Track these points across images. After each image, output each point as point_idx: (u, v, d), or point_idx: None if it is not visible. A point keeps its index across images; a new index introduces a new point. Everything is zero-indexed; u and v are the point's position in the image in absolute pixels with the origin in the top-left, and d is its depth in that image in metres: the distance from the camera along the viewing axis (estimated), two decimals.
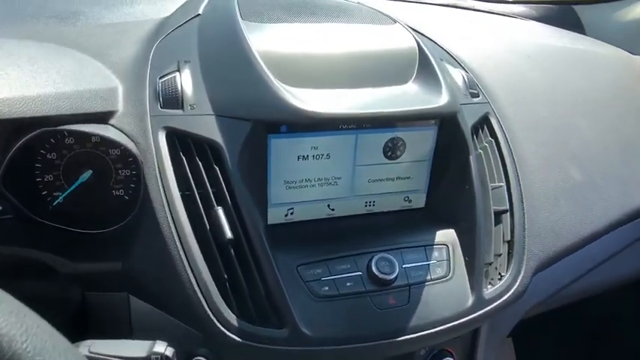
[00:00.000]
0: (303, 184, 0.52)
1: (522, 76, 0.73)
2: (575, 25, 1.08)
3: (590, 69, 0.82)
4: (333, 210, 0.55)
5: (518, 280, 0.51)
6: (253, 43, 0.50)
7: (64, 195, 0.51)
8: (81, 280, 0.51)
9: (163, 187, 0.47)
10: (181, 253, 0.45)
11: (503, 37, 0.86)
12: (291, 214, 0.54)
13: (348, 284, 0.47)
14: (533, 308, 0.62)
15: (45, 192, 0.51)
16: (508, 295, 0.50)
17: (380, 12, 0.65)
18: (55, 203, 0.51)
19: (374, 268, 0.47)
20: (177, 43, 0.58)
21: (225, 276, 0.45)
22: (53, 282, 0.51)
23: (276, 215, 0.53)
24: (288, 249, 0.49)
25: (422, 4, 1.00)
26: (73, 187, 0.50)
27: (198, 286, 0.44)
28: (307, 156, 0.51)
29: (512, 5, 1.10)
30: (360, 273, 0.48)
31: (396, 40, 0.57)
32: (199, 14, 0.63)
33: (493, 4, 1.08)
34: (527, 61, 0.77)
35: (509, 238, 0.53)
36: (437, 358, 0.53)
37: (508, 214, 0.54)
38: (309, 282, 0.47)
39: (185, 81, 0.51)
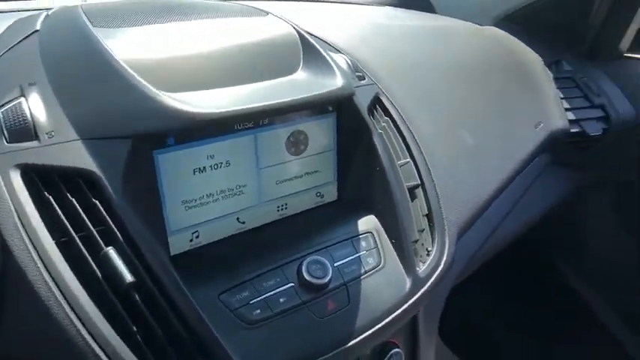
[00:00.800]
0: (205, 200, 0.46)
1: (397, 56, 0.74)
2: (425, 6, 1.15)
3: (453, 42, 0.87)
4: (243, 223, 0.49)
5: (446, 251, 0.51)
6: (114, 50, 0.43)
7: None
8: None
9: (30, 238, 0.37)
10: (70, 314, 0.36)
11: (368, 23, 0.88)
12: (197, 237, 0.47)
13: (281, 300, 0.42)
14: (459, 277, 0.63)
15: None
16: (440, 267, 0.49)
17: (246, 5, 0.61)
18: None
19: (305, 275, 0.43)
20: (15, 66, 0.48)
21: (135, 328, 0.37)
22: None
23: (179, 243, 0.46)
24: (203, 278, 0.42)
25: (278, 1, 0.99)
26: None
27: (101, 348, 0.36)
28: (204, 167, 0.44)
29: None
30: (292, 284, 0.43)
31: (274, 30, 0.53)
32: (37, 30, 0.53)
33: None
34: (397, 42, 0.79)
35: (427, 212, 0.52)
36: (385, 353, 0.51)
37: (420, 188, 0.53)
38: (236, 310, 0.40)
39: (34, 106, 0.42)
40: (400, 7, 1.08)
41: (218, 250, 0.47)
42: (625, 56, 0.99)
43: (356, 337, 0.42)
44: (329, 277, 0.43)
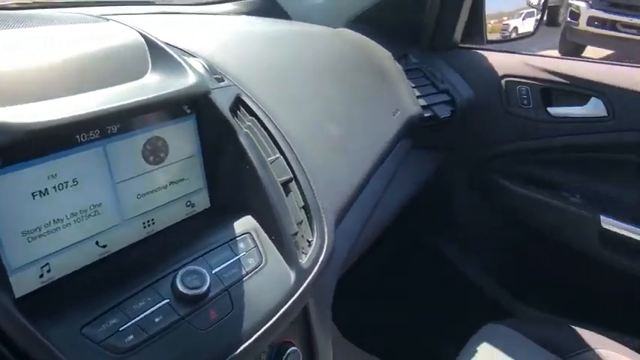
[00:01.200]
0: (53, 227, 0.40)
1: (258, 59, 0.74)
2: (280, 14, 1.17)
3: (310, 44, 0.89)
4: (104, 247, 0.44)
5: (326, 238, 0.51)
6: None
7: None
8: None
9: None
10: None
11: (226, 31, 0.87)
12: (48, 272, 0.40)
13: (156, 320, 0.38)
14: (343, 266, 0.64)
15: None
16: (323, 255, 0.49)
17: (85, 14, 0.56)
18: None
19: (181, 287, 0.39)
20: None
21: None
22: None
23: (25, 282, 0.39)
24: (61, 315, 0.36)
25: (128, 15, 0.93)
26: None
27: None
28: (46, 190, 0.39)
29: (219, 5, 1.12)
30: (167, 300, 0.39)
31: (116, 36, 0.49)
32: None
33: (200, 6, 1.09)
34: (257, 47, 0.79)
35: (303, 204, 0.52)
36: (281, 353, 0.49)
37: (294, 181, 0.53)
38: (104, 341, 0.35)
39: None
40: (257, 16, 1.09)
41: (78, 281, 0.41)
42: (459, 46, 1.12)
43: (245, 342, 0.40)
44: (207, 286, 0.40)
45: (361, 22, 1.06)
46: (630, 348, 0.82)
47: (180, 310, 0.39)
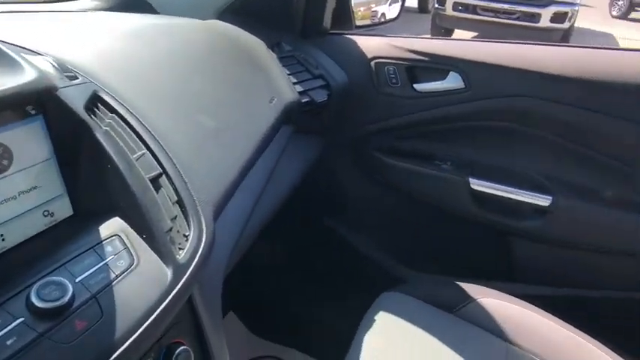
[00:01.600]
0: None
1: (121, 55, 0.70)
2: (146, 8, 1.12)
3: (178, 37, 0.86)
4: None
5: (204, 231, 0.49)
6: None
7: None
8: None
9: None
10: None
11: (82, 28, 0.80)
12: None
13: (9, 342, 0.34)
14: (231, 261, 0.63)
15: None
16: (202, 249, 0.48)
17: None
18: None
19: (36, 301, 0.36)
20: None
21: None
22: None
23: None
24: None
25: None
26: None
27: None
28: None
29: (75, 2, 1.04)
30: (22, 318, 0.35)
31: None
32: None
33: (53, 4, 1.00)
34: (120, 42, 0.75)
35: (176, 198, 0.50)
36: (170, 354, 0.47)
37: (164, 176, 0.51)
38: None
39: None
40: (119, 11, 1.03)
41: None
42: (330, 32, 1.15)
43: (120, 347, 0.37)
44: (69, 295, 0.37)
45: (231, 13, 1.04)
46: (507, 293, 0.92)
47: (39, 327, 0.35)
